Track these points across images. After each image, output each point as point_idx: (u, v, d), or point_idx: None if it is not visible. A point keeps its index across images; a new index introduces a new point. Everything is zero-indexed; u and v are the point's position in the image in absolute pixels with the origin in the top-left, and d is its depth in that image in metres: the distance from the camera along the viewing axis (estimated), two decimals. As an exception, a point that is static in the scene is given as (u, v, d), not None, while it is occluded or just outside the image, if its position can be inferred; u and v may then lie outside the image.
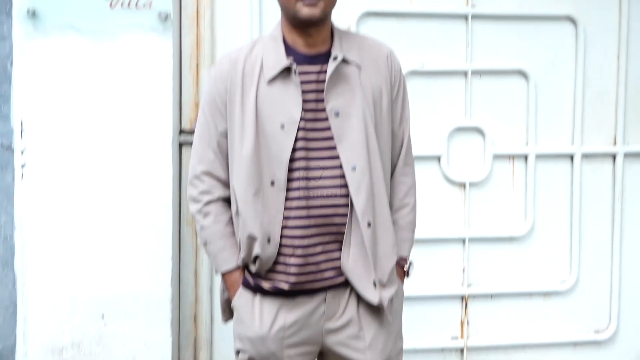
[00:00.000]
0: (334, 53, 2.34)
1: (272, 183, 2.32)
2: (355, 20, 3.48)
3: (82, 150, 3.22)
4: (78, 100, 3.21)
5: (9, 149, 3.25)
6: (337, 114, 2.33)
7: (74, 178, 3.22)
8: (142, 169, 3.24)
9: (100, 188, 3.23)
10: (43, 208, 3.22)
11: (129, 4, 3.18)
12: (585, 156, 3.73)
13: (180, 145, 3.42)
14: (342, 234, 2.35)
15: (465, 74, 3.62)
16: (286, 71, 2.32)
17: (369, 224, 2.33)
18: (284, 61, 2.32)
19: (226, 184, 2.43)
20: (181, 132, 3.41)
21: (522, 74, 3.65)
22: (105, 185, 3.23)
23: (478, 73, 3.63)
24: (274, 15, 3.26)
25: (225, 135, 2.40)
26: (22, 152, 3.20)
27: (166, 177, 3.26)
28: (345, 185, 2.32)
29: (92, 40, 3.19)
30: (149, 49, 3.21)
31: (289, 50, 2.36)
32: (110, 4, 3.18)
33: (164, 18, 3.18)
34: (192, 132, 3.33)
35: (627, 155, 3.75)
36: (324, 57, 2.36)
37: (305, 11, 2.26)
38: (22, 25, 3.17)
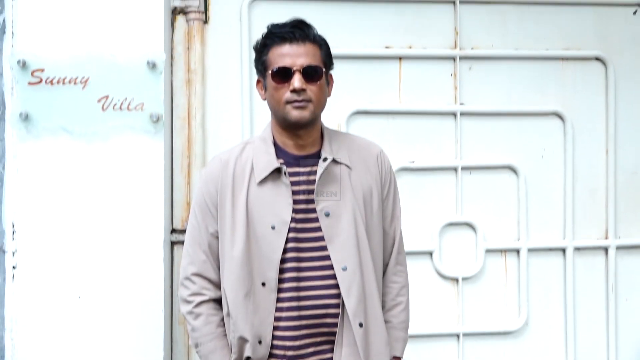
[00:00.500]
0: (323, 154, 2.43)
1: (263, 284, 2.37)
2: (345, 119, 3.58)
3: (74, 251, 3.26)
4: (70, 202, 3.26)
5: (1, 250, 3.29)
6: (327, 215, 2.39)
7: (66, 279, 3.25)
8: (134, 269, 3.27)
9: (92, 289, 3.26)
10: (34, 310, 3.24)
11: (120, 107, 3.27)
12: (578, 249, 3.78)
13: (172, 245, 3.47)
14: (334, 334, 2.39)
15: (455, 169, 3.70)
16: (276, 172, 2.40)
17: (360, 325, 2.37)
18: (274, 163, 2.40)
19: (217, 285, 2.48)
20: (173, 231, 3.46)
21: (512, 169, 3.73)
22: (97, 286, 3.26)
23: (468, 169, 3.71)
24: (265, 116, 3.38)
25: (216, 236, 2.46)
26: (13, 254, 3.24)
27: (157, 276, 3.29)
28: (337, 286, 2.37)
29: (84, 142, 3.26)
30: (141, 150, 3.29)
31: (279, 151, 2.44)
32: (102, 107, 3.26)
33: (156, 120, 3.26)
34: (183, 232, 3.41)
35: (619, 248, 3.81)
36: (314, 158, 2.44)
37: (294, 114, 2.35)
38: (14, 128, 3.25)
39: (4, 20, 3.29)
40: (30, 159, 3.26)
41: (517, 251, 3.75)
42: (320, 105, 2.41)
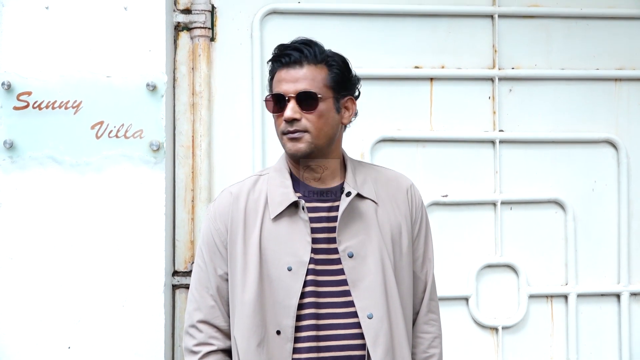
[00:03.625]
0: (347, 188, 2.44)
1: (278, 332, 2.37)
2: (369, 148, 3.61)
3: (62, 296, 3.28)
4: (58, 240, 3.29)
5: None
6: (350, 256, 2.40)
7: (54, 329, 3.28)
8: (131, 317, 3.30)
9: (83, 339, 3.28)
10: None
11: (117, 134, 3.30)
12: (634, 295, 3.80)
13: (174, 288, 3.48)
14: (358, 389, 2.39)
15: (494, 204, 3.73)
16: (293, 207, 2.42)
17: (388, 380, 2.37)
18: (291, 196, 2.41)
19: (226, 334, 2.49)
20: (175, 273, 3.48)
21: (559, 203, 3.76)
22: (89, 336, 3.29)
23: (509, 204, 3.74)
24: (279, 145, 3.40)
25: (225, 279, 2.47)
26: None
27: (157, 325, 3.31)
28: (361, 336, 2.37)
29: (75, 173, 3.30)
30: (139, 183, 3.32)
31: (296, 184, 2.46)
32: (96, 134, 3.30)
33: (156, 148, 3.29)
34: (186, 274, 3.45)
35: (680, 293, 3.81)
36: (336, 192, 2.46)
37: (289, 146, 2.41)
38: (-3, 158, 3.29)
39: (-14, 38, 3.35)
40: (15, 192, 3.30)
41: (565, 297, 3.76)
42: (322, 135, 2.41)
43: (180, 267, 3.52)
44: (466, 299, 3.71)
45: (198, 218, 3.52)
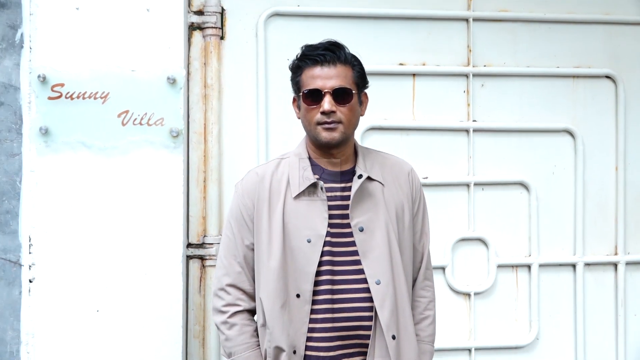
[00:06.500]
0: (358, 171, 2.61)
1: (298, 295, 2.54)
2: (359, 135, 3.74)
3: (92, 265, 3.41)
4: (88, 215, 3.42)
5: (17, 264, 3.41)
6: (361, 230, 2.57)
7: (84, 293, 3.40)
8: (153, 283, 3.43)
9: (110, 303, 3.42)
10: (51, 324, 3.39)
11: (140, 121, 3.42)
12: (588, 265, 3.99)
13: (187, 259, 3.61)
14: (367, 345, 2.57)
15: (467, 185, 3.89)
16: (312, 187, 2.58)
17: (393, 337, 2.54)
18: (310, 178, 2.58)
19: (251, 296, 2.66)
20: (189, 245, 3.61)
21: (524, 185, 3.93)
22: (116, 300, 3.42)
23: (480, 185, 3.91)
24: (281, 131, 3.62)
25: (251, 248, 2.63)
26: (29, 267, 3.38)
27: (176, 290, 3.45)
28: (370, 299, 2.55)
29: (103, 156, 3.41)
30: (160, 165, 3.45)
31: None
32: (122, 122, 3.41)
33: (175, 135, 3.42)
34: (199, 246, 3.57)
35: (629, 264, 4.02)
36: (348, 175, 2.63)
37: (324, 135, 2.54)
38: (33, 142, 3.40)
39: (21, 35, 3.43)
40: (49, 173, 3.41)
41: (529, 267, 3.94)
42: (351, 125, 2.59)
43: (193, 239, 3.64)
44: (443, 269, 3.88)
45: (209, 196, 3.65)
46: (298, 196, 2.58)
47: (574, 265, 3.97)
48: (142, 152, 3.43)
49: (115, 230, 3.43)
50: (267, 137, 3.71)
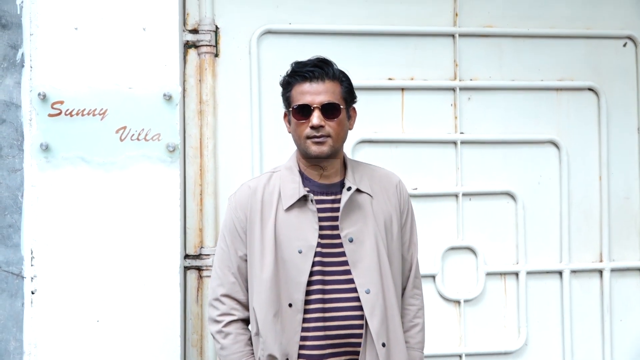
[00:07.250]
0: (347, 183, 2.66)
1: (290, 305, 2.58)
2: (350, 148, 3.80)
3: (92, 276, 3.44)
4: (88, 229, 3.45)
5: (19, 276, 3.45)
6: (351, 240, 2.62)
7: (84, 304, 3.43)
8: (151, 294, 3.46)
9: (110, 313, 3.45)
10: (53, 334, 3.42)
11: (138, 137, 3.45)
12: (574, 272, 4.03)
13: (185, 270, 3.65)
14: (358, 352, 2.61)
15: (456, 196, 3.94)
16: (303, 200, 2.63)
17: (383, 344, 2.58)
18: (301, 190, 2.62)
19: (245, 306, 2.70)
20: (186, 257, 3.65)
21: (510, 195, 3.98)
22: (116, 311, 3.45)
23: (468, 195, 3.95)
24: (274, 145, 3.66)
25: (244, 259, 2.68)
26: (32, 279, 3.42)
27: (174, 301, 3.48)
28: (360, 307, 2.59)
29: (102, 171, 3.44)
30: (157, 179, 3.48)
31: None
32: (120, 137, 3.45)
33: (172, 150, 3.46)
34: (196, 257, 3.60)
35: (614, 271, 4.06)
36: (338, 187, 2.68)
37: (313, 149, 2.59)
38: (34, 158, 3.43)
39: (22, 55, 3.47)
40: (50, 188, 3.44)
41: (516, 274, 3.98)
42: (340, 139, 2.65)
43: (190, 251, 3.68)
44: (433, 277, 3.91)
45: (206, 209, 3.68)
46: (289, 208, 2.62)
47: (560, 273, 4.01)
48: (140, 167, 3.46)
49: (114, 242, 3.46)
50: (261, 151, 3.75)
